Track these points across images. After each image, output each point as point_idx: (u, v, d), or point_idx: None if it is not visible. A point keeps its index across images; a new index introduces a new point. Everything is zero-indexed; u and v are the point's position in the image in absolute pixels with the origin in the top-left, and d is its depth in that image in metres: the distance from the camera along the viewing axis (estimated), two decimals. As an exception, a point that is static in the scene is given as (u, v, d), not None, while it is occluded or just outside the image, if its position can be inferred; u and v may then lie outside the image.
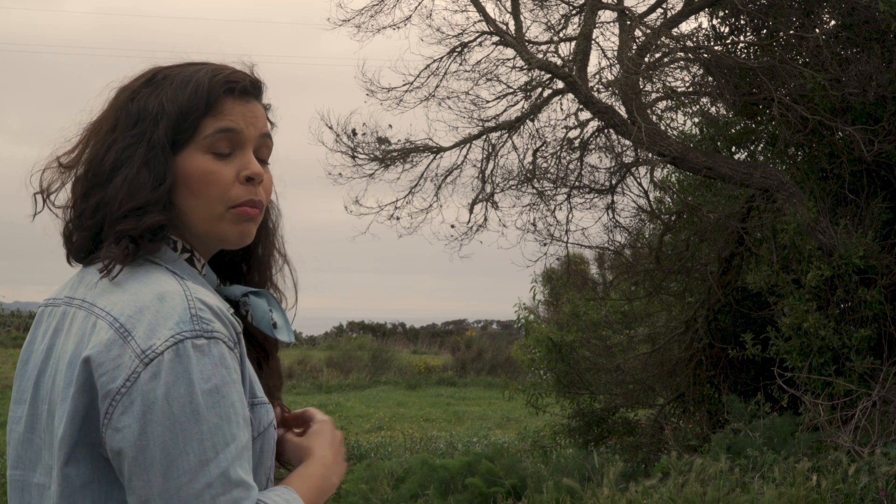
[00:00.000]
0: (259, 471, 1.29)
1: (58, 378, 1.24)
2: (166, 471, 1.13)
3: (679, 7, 7.82)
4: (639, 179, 8.55)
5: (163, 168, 1.27)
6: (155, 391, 1.14)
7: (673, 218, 8.70)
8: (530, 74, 8.30)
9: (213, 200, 1.30)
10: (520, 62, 8.14)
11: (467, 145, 8.51)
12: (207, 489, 1.14)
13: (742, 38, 7.73)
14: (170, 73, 1.33)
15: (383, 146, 8.44)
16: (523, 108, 8.41)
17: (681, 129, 8.70)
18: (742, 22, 7.68)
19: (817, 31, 7.06)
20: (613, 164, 8.36)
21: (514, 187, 8.57)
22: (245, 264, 1.46)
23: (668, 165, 8.12)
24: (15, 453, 1.32)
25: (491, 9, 8.32)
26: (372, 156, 8.44)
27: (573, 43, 7.95)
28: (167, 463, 1.13)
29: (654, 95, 8.00)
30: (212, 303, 1.23)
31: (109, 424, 1.16)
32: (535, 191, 8.53)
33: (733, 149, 8.31)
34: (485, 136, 8.48)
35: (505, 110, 8.43)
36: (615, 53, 7.81)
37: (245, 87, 1.34)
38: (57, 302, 1.35)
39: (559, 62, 7.92)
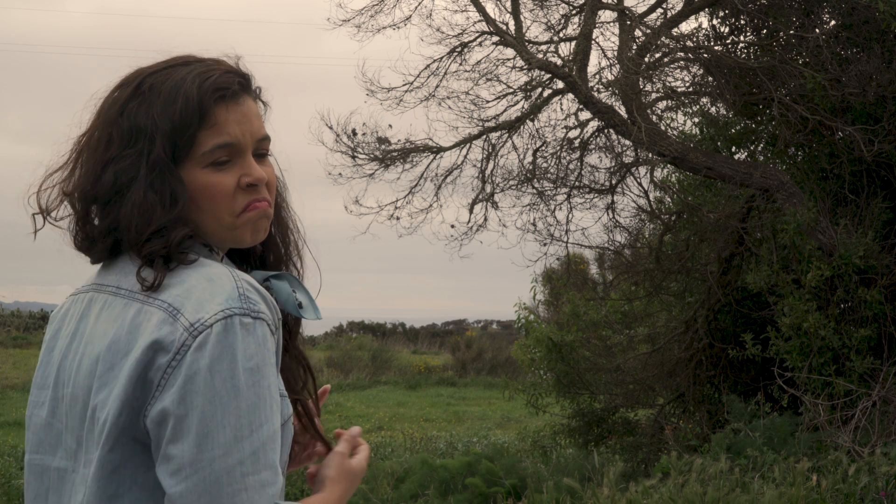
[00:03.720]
0: None
1: (84, 362, 1.25)
2: (201, 441, 1.14)
3: (679, 7, 7.82)
4: (639, 179, 8.56)
5: (170, 187, 1.26)
6: (199, 362, 1.16)
7: (673, 218, 8.70)
8: (530, 74, 8.30)
9: (219, 212, 1.30)
10: (520, 62, 8.14)
11: (467, 145, 8.51)
12: (239, 465, 1.14)
13: (742, 38, 7.73)
14: (156, 82, 1.29)
15: (383, 146, 8.44)
16: (523, 108, 8.41)
17: (681, 129, 8.70)
18: (742, 22, 7.68)
19: (817, 31, 7.06)
20: (613, 164, 8.36)
21: (514, 187, 8.57)
22: (260, 244, 1.45)
23: (668, 165, 8.12)
24: (36, 438, 1.33)
25: (491, 9, 8.32)
26: (372, 156, 8.44)
27: (573, 43, 7.95)
28: (203, 434, 1.14)
29: (654, 95, 8.00)
30: (257, 286, 1.25)
31: (158, 397, 1.17)
32: (535, 191, 8.53)
33: (733, 149, 8.31)
34: (485, 136, 8.48)
35: (505, 110, 8.44)
36: (615, 53, 7.81)
37: (235, 91, 1.31)
38: (84, 289, 1.36)
39: (559, 62, 7.92)
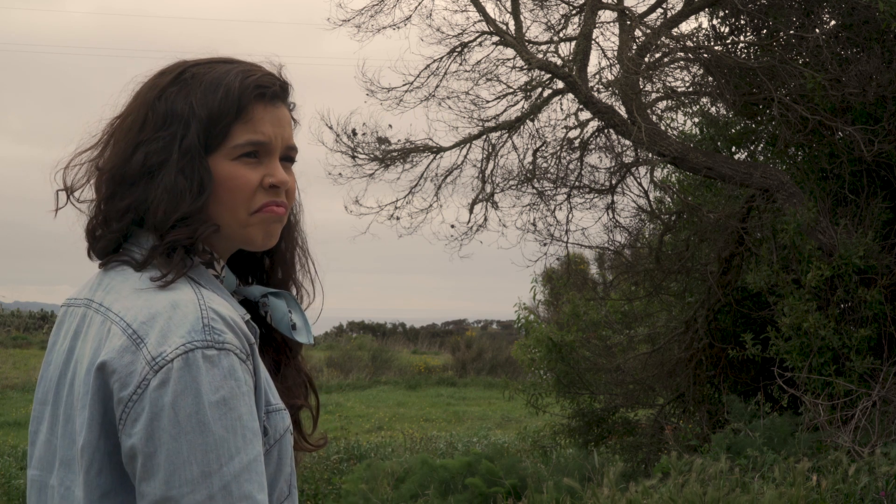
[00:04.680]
0: (279, 478, 1.29)
1: (76, 383, 1.25)
2: (169, 478, 1.13)
3: (679, 7, 7.82)
4: (639, 179, 8.55)
5: (199, 175, 1.26)
6: (162, 399, 1.14)
7: (673, 218, 8.70)
8: (530, 74, 8.30)
9: (237, 206, 1.30)
10: (520, 62, 8.14)
11: (467, 145, 8.51)
12: (209, 501, 1.13)
13: (742, 38, 7.73)
14: (198, 72, 1.31)
15: (383, 146, 8.44)
16: (523, 108, 8.41)
17: (681, 129, 8.70)
18: (742, 22, 7.68)
19: (817, 31, 7.06)
20: (613, 164, 8.36)
21: (514, 187, 8.57)
22: (268, 258, 1.45)
23: (668, 165, 8.12)
24: (38, 453, 1.33)
25: (491, 9, 8.32)
26: (372, 156, 8.44)
27: (573, 43, 7.95)
28: (170, 471, 1.13)
29: (654, 95, 8.00)
30: (225, 313, 1.23)
31: (123, 431, 1.17)
32: (535, 191, 8.53)
33: (733, 149, 8.31)
34: (485, 136, 8.48)
35: (505, 110, 8.44)
36: (615, 53, 7.81)
37: (275, 92, 1.33)
38: (77, 302, 1.35)
39: (559, 62, 7.92)
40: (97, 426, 1.19)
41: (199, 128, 1.27)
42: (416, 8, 8.42)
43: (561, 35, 8.41)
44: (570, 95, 8.04)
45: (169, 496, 1.13)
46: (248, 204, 1.30)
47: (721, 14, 7.68)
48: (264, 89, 1.31)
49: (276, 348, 1.44)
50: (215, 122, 1.28)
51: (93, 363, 1.21)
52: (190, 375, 1.15)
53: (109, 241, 1.31)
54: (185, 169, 1.26)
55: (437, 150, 8.50)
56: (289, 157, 1.36)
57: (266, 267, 1.46)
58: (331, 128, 8.39)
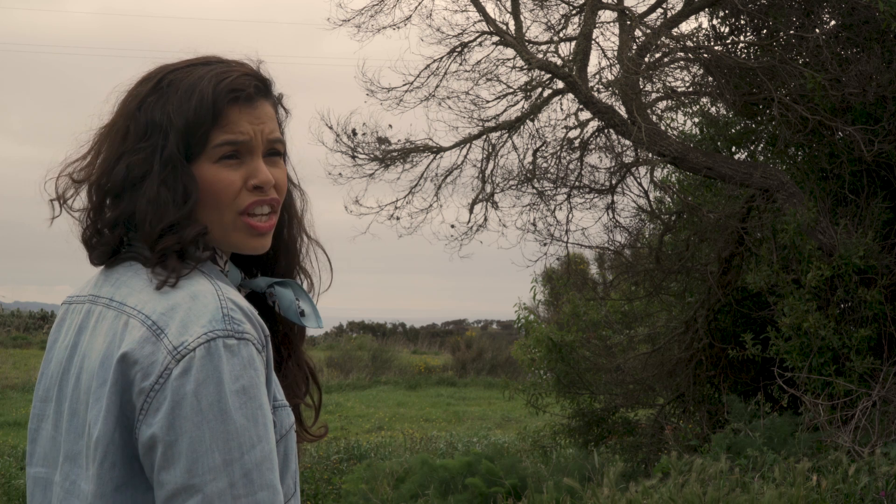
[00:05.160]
0: (286, 475, 1.29)
1: (83, 376, 1.25)
2: (191, 466, 1.14)
3: (679, 7, 7.82)
4: (639, 179, 8.56)
5: (183, 185, 1.27)
6: (185, 387, 1.15)
7: (673, 218, 8.70)
8: (530, 74, 8.30)
9: (223, 209, 1.30)
10: (520, 62, 8.14)
11: (467, 145, 8.51)
12: (230, 489, 1.14)
13: (742, 38, 7.73)
14: (175, 79, 1.31)
15: (383, 146, 8.44)
16: (523, 108, 8.41)
17: (681, 129, 8.70)
18: (742, 22, 7.68)
19: (817, 31, 7.06)
20: (613, 164, 8.36)
21: (514, 187, 8.57)
22: (272, 249, 1.45)
23: (668, 165, 8.13)
24: (41, 451, 1.34)
25: (491, 9, 8.32)
26: (372, 156, 8.44)
27: (573, 43, 7.95)
28: (192, 459, 1.14)
29: (654, 95, 8.00)
30: (243, 304, 1.24)
31: (144, 421, 1.17)
32: (535, 191, 8.54)
33: (733, 149, 8.31)
34: (485, 136, 8.48)
35: (505, 110, 8.44)
36: (615, 53, 7.81)
37: (249, 94, 1.32)
38: (80, 299, 1.36)
39: (559, 62, 7.92)
40: (113, 418, 1.19)
41: (178, 137, 1.27)
42: (416, 8, 8.43)
43: (561, 35, 8.41)
44: (570, 95, 8.05)
45: (191, 484, 1.13)
46: (233, 205, 1.31)
47: (721, 14, 7.68)
48: (238, 92, 1.31)
49: (277, 345, 1.44)
50: (193, 130, 1.28)
51: (109, 356, 1.21)
52: (212, 364, 1.16)
53: (105, 251, 1.32)
54: (168, 179, 1.27)
55: (437, 150, 8.50)
56: (274, 150, 1.35)
57: (270, 257, 1.46)
58: (331, 128, 8.40)
